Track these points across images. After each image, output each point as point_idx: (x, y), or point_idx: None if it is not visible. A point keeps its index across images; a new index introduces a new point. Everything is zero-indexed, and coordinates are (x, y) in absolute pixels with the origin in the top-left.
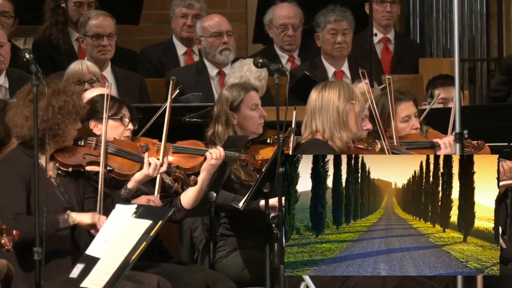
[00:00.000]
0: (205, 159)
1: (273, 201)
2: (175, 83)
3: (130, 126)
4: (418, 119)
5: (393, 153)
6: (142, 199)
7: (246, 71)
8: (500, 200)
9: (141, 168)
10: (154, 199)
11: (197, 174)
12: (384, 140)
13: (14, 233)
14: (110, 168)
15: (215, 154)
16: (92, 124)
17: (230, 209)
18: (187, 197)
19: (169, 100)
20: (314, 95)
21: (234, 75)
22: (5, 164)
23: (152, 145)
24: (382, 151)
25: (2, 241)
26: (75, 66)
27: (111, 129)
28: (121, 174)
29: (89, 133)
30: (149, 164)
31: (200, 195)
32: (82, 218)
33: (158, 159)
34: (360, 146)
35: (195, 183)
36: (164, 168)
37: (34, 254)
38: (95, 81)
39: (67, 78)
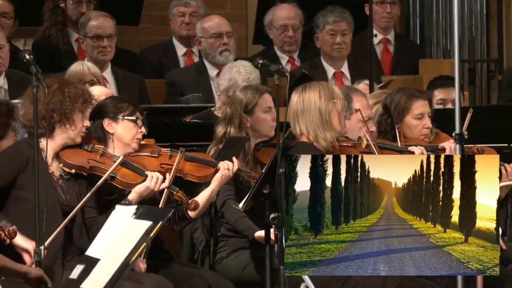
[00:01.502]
0: (216, 171)
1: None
2: (184, 153)
3: (143, 129)
4: (430, 120)
5: (380, 148)
6: None
7: (235, 73)
8: (501, 205)
9: (144, 181)
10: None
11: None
12: (369, 136)
13: (11, 229)
14: (113, 175)
15: (228, 165)
16: (106, 123)
17: (234, 228)
18: None
19: (174, 168)
20: (295, 98)
21: (224, 77)
22: (7, 152)
23: (164, 152)
24: (368, 148)
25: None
26: (76, 67)
27: (125, 130)
28: (123, 182)
29: (98, 143)
30: (152, 177)
31: (207, 204)
32: (21, 241)
33: (170, 164)
34: (345, 144)
35: (195, 208)
36: (166, 184)
37: (34, 254)
38: (96, 82)
39: (68, 78)
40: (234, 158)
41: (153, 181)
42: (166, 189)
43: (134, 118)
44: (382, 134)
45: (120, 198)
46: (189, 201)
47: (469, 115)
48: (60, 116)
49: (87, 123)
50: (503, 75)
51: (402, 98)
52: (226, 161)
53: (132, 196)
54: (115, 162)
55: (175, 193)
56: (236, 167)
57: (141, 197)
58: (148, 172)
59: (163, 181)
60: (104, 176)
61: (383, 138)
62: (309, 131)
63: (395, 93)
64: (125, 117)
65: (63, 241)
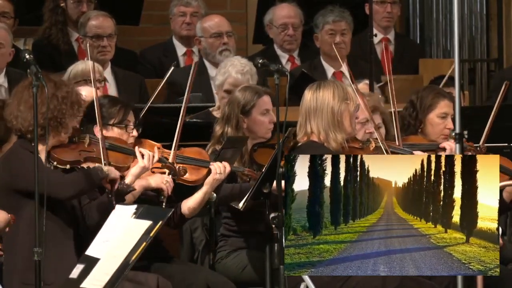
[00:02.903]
0: (208, 172)
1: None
2: (198, 64)
3: (134, 133)
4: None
5: (391, 152)
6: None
7: (229, 66)
8: (508, 209)
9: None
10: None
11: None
12: (379, 138)
13: (10, 217)
14: (106, 163)
15: (220, 169)
16: (96, 130)
17: (237, 196)
18: (188, 207)
19: (189, 84)
20: (308, 95)
21: (220, 72)
22: (14, 160)
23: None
24: (377, 150)
25: None
26: (81, 66)
27: (116, 136)
28: (118, 167)
29: (79, 132)
30: (142, 156)
31: (201, 205)
32: (112, 172)
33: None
34: (355, 146)
35: (185, 172)
36: (156, 158)
37: (34, 254)
38: (101, 81)
39: (74, 77)
40: (224, 162)
41: (146, 158)
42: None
43: (123, 125)
44: (404, 127)
45: None
46: (178, 170)
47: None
48: (56, 123)
49: (74, 123)
50: (494, 77)
51: (430, 95)
52: (217, 164)
53: (129, 179)
54: (102, 147)
55: (164, 164)
56: (228, 169)
57: (137, 178)
58: (138, 151)
59: (153, 156)
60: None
61: (406, 131)
62: (320, 131)
63: (423, 89)
64: (115, 125)
65: None
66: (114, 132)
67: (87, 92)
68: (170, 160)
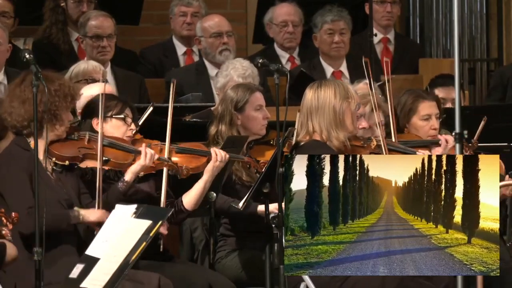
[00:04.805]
0: (208, 160)
1: (273, 206)
2: (175, 85)
3: (133, 126)
4: (438, 121)
5: (389, 150)
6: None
7: (231, 69)
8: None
9: (135, 159)
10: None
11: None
12: (382, 137)
13: (13, 215)
14: (106, 159)
15: (220, 156)
16: (95, 122)
17: (228, 212)
18: (189, 199)
19: (170, 101)
20: (309, 94)
21: (222, 75)
22: (6, 160)
23: (154, 146)
24: (378, 148)
25: (3, 232)
26: (82, 65)
27: (114, 128)
28: (117, 164)
29: (78, 130)
30: (145, 155)
31: (202, 196)
32: (90, 215)
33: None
34: (356, 144)
35: (187, 174)
36: (157, 157)
37: (34, 254)
38: (103, 81)
39: (76, 76)
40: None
41: (147, 158)
42: (164, 189)
43: (122, 116)
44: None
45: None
46: (181, 169)
47: (482, 123)
48: (50, 115)
49: (70, 117)
50: (494, 75)
51: (409, 99)
52: (218, 151)
53: (128, 176)
54: (102, 144)
55: (166, 163)
56: (227, 157)
57: (136, 176)
58: (141, 149)
59: (154, 155)
60: (99, 166)
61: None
62: (322, 130)
63: (402, 95)
64: (113, 116)
65: None
66: (112, 124)
67: (92, 91)
68: (166, 155)
